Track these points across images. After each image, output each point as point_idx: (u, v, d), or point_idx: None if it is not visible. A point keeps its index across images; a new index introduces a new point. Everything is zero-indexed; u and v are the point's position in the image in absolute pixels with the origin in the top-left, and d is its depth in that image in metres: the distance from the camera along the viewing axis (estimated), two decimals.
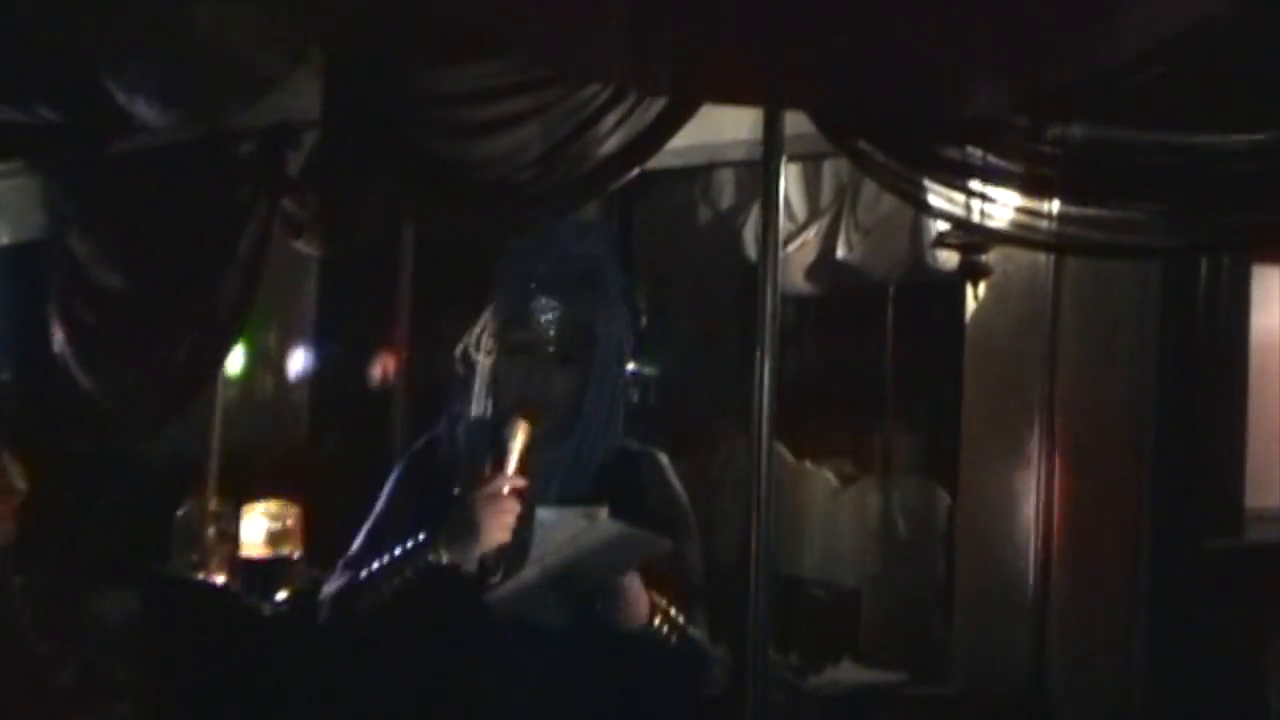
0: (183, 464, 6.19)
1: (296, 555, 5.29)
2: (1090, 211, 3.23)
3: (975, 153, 3.46)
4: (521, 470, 2.62)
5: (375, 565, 2.73)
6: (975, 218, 3.65)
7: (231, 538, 5.52)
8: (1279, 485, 5.80)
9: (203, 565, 5.64)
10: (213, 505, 5.71)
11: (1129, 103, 3.10)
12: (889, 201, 5.90)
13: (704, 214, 6.44)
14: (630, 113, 4.14)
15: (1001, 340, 4.72)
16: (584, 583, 2.57)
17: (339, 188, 4.95)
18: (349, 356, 7.68)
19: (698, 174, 6.07)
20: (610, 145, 4.24)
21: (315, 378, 7.39)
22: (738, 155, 4.93)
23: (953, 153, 3.50)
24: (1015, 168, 3.35)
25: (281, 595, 5.19)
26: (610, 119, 4.21)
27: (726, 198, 6.37)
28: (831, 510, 5.96)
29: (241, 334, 5.72)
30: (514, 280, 2.76)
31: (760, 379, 3.90)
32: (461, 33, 4.24)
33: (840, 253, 5.89)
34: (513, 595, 2.58)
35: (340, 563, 2.89)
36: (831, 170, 5.95)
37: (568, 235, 2.81)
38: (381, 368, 7.15)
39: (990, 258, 4.73)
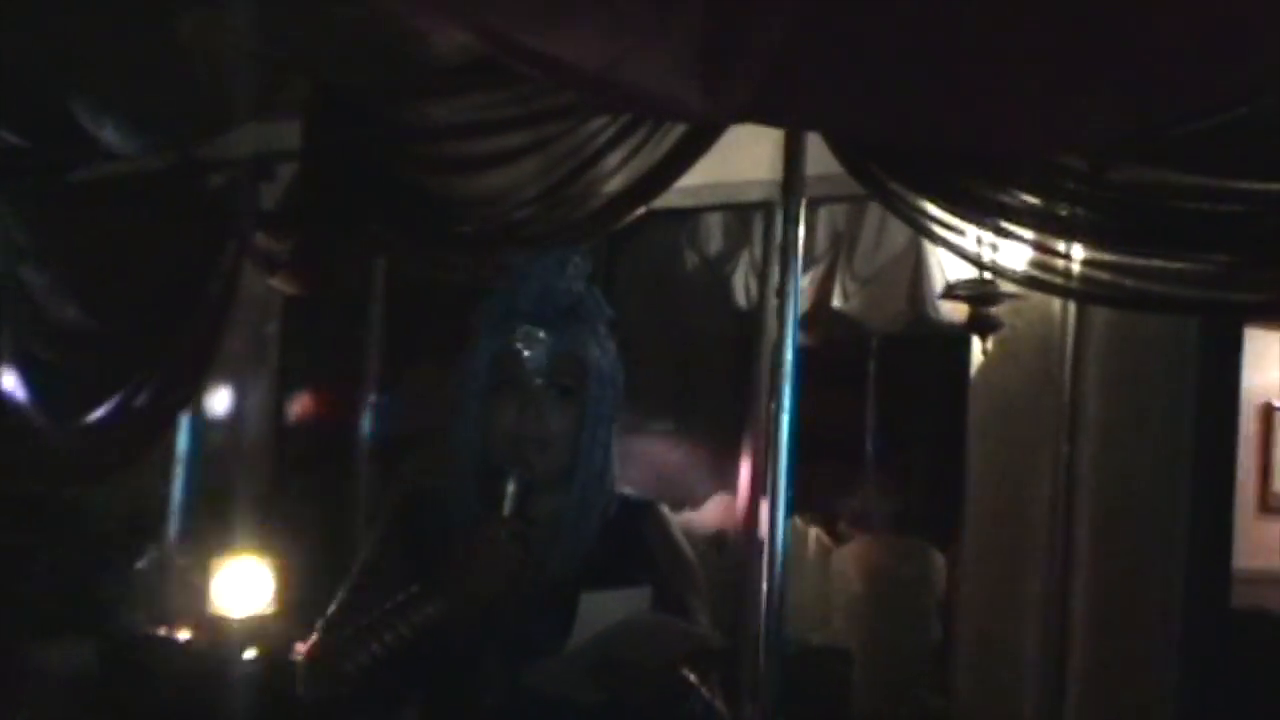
0: (140, 511, 5.89)
1: (270, 611, 5.00)
2: (1139, 261, 3.01)
3: (1019, 195, 3.24)
4: (519, 514, 2.47)
5: (361, 623, 2.50)
6: (1007, 264, 3.42)
7: (197, 591, 5.23)
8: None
9: (165, 620, 5.33)
10: (177, 556, 5.41)
11: (1184, 145, 2.89)
12: (886, 251, 5.75)
13: (690, 260, 6.25)
14: (639, 148, 3.92)
15: (1011, 398, 4.51)
16: (626, 670, 2.40)
17: (319, 224, 4.69)
18: (315, 400, 7.43)
19: (685, 218, 5.86)
20: (617, 182, 4.01)
21: (280, 422, 7.12)
22: (754, 196, 4.68)
23: (993, 194, 3.28)
24: (1063, 211, 3.13)
25: (252, 653, 4.90)
26: (616, 155, 4.00)
27: (714, 244, 6.20)
28: (822, 570, 5.75)
29: (207, 376, 5.43)
30: (497, 316, 2.60)
31: (775, 434, 3.72)
32: (457, 61, 4.00)
33: (836, 302, 5.72)
34: (548, 674, 2.38)
35: (320, 623, 2.65)
36: (827, 218, 5.77)
37: (549, 268, 2.64)
38: (350, 412, 6.87)
39: (1000, 311, 4.51)
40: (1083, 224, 3.11)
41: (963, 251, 3.67)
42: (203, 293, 5.15)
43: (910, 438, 5.69)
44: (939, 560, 5.65)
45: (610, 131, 3.99)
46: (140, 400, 5.25)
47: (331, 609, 2.62)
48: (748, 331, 5.76)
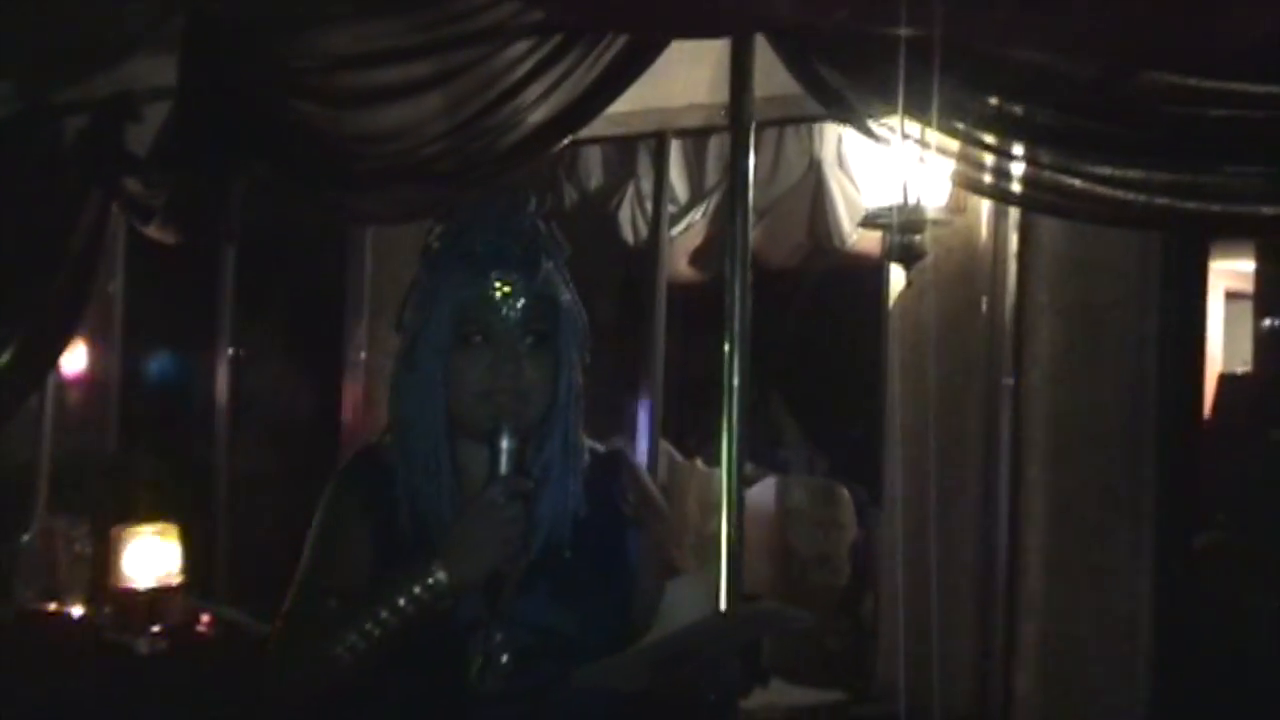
0: (4, 479, 5.47)
1: (176, 584, 4.66)
2: (1160, 176, 2.84)
3: (1031, 108, 3.05)
4: (518, 471, 2.26)
5: (340, 601, 2.26)
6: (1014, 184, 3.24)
7: (88, 562, 4.85)
8: None
9: (56, 595, 4.94)
10: (65, 526, 5.01)
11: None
12: (783, 181, 5.58)
13: (569, 195, 6.00)
14: (568, 74, 3.65)
15: (937, 331, 4.34)
16: (696, 662, 2.24)
17: (198, 168, 4.32)
18: (165, 359, 7.06)
19: (563, 153, 5.61)
20: (541, 112, 3.74)
21: (127, 383, 6.74)
22: (692, 121, 4.45)
23: (1003, 107, 3.08)
24: (1072, 123, 2.94)
25: (157, 628, 4.55)
26: (541, 83, 3.71)
27: (595, 178, 5.96)
28: None
29: (74, 335, 5.03)
30: (449, 263, 2.35)
31: (729, 375, 3.53)
32: None
33: None
34: (608, 670, 2.22)
35: (286, 603, 2.37)
36: (717, 148, 5.57)
37: (503, 206, 2.40)
38: (202, 370, 6.51)
39: (923, 238, 4.36)
40: (1095, 137, 2.92)
41: (973, 183, 3.44)
42: (65, 246, 4.77)
43: (820, 375, 5.56)
44: (848, 499, 5.54)
45: (534, 59, 3.71)
46: (3, 361, 4.84)
47: (294, 588, 2.38)
48: (638, 270, 5.58)
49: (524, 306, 2.32)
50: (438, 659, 2.28)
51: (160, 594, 4.65)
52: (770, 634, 2.33)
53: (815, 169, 5.34)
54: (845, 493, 5.54)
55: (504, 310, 2.31)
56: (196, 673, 4.36)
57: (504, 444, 2.24)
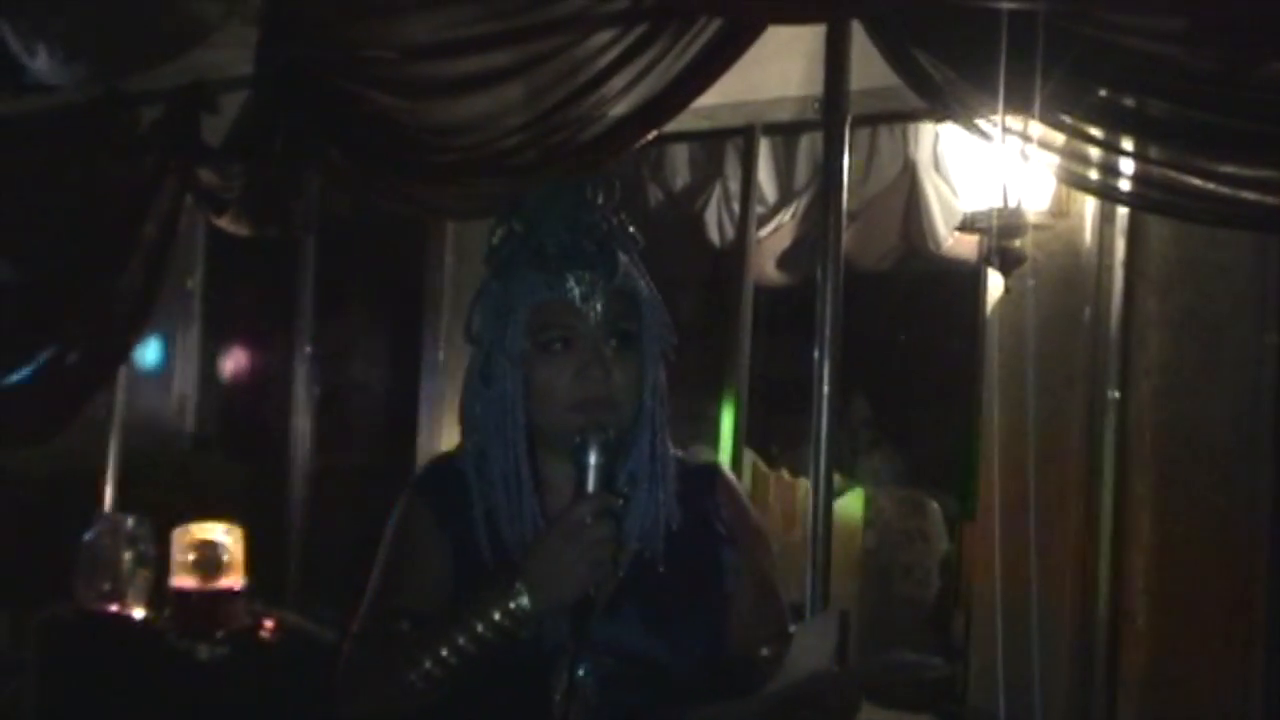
0: (71, 477, 5.39)
1: (238, 587, 4.54)
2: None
3: (1145, 100, 2.85)
4: (606, 487, 2.11)
5: (418, 625, 2.12)
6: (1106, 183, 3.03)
7: (151, 564, 4.76)
8: None
9: (116, 597, 4.84)
10: (129, 525, 4.92)
11: None
12: (876, 182, 5.38)
13: (654, 195, 5.83)
14: (653, 65, 3.49)
15: (1042, 338, 4.12)
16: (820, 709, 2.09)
17: (273, 159, 4.21)
18: (245, 353, 6.99)
19: (648, 150, 5.44)
20: (624, 105, 3.57)
21: (207, 378, 6.68)
22: (783, 115, 4.27)
23: (1115, 99, 2.87)
24: (1192, 117, 2.72)
25: (220, 634, 4.44)
26: (625, 75, 3.55)
27: (681, 177, 5.79)
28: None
29: (146, 329, 4.94)
30: (520, 263, 2.21)
31: (820, 382, 3.36)
32: None
33: None
34: (725, 712, 2.04)
35: (355, 625, 2.23)
36: (808, 147, 5.39)
37: (571, 201, 2.26)
38: (282, 363, 6.42)
39: (1023, 243, 4.15)
40: (1215, 132, 2.71)
41: (1078, 180, 3.24)
42: (138, 237, 4.67)
43: (906, 382, 5.37)
44: (937, 512, 5.33)
45: (619, 48, 3.55)
46: (72, 357, 4.76)
47: (365, 607, 2.23)
48: (724, 272, 5.41)
49: (605, 305, 2.17)
50: (519, 688, 2.12)
51: (222, 597, 4.53)
52: (902, 681, 2.16)
53: (910, 170, 5.14)
54: (935, 505, 5.33)
55: (585, 311, 2.16)
56: (257, 679, 4.25)
57: (591, 459, 2.08)
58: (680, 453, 2.34)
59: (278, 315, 6.29)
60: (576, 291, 2.16)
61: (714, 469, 2.40)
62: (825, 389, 3.32)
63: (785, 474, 5.54)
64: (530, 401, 2.19)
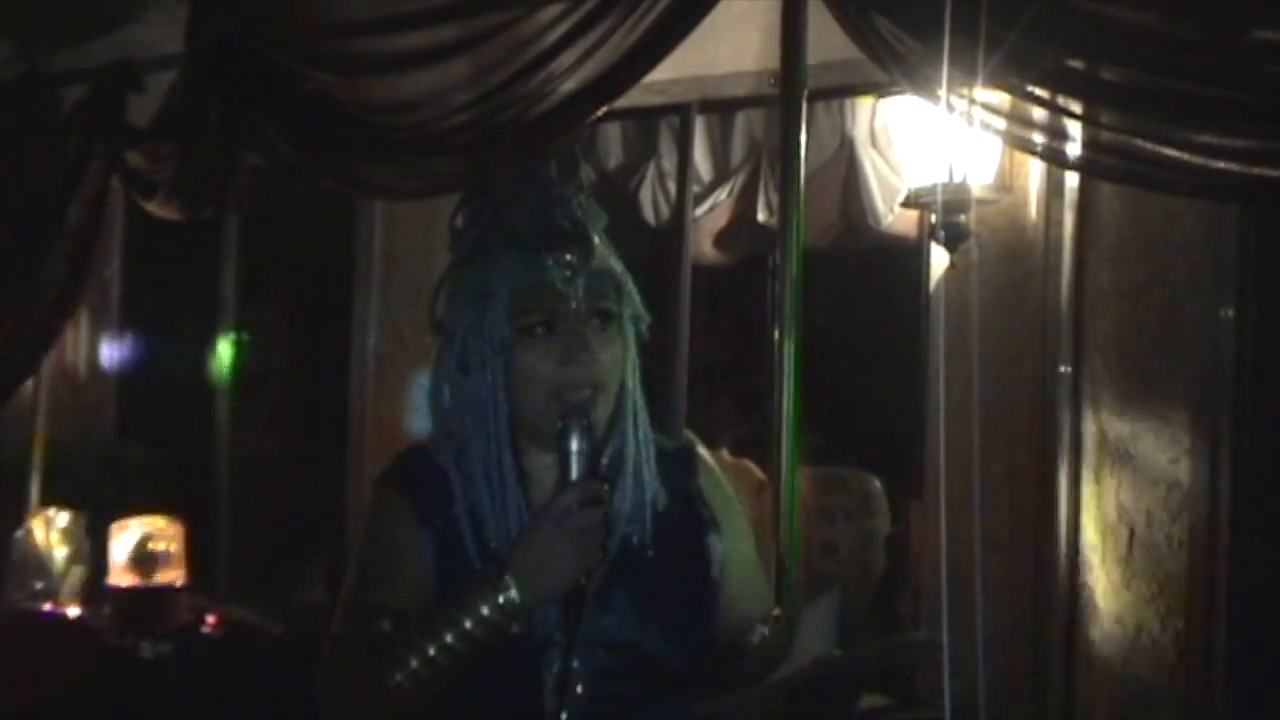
0: None
1: (180, 583, 4.41)
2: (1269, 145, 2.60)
3: (1119, 69, 2.81)
4: (591, 474, 2.05)
5: (401, 634, 2.03)
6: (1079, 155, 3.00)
7: (84, 560, 4.61)
8: None
9: (51, 594, 4.69)
10: (62, 521, 4.76)
11: None
12: (814, 159, 5.34)
13: (587, 175, 5.75)
14: (605, 39, 3.41)
15: (987, 314, 4.11)
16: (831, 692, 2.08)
17: (206, 140, 4.08)
18: (163, 343, 6.82)
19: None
20: (573, 82, 3.50)
21: (123, 369, 6.51)
22: (739, 90, 4.20)
23: (1088, 68, 2.83)
24: (1187, 89, 2.69)
25: (162, 631, 4.32)
26: (577, 49, 3.47)
27: (614, 156, 5.72)
28: (758, 507, 5.36)
29: (70, 317, 4.79)
30: (496, 247, 2.13)
31: (781, 363, 3.31)
32: None
33: (762, 216, 5.29)
34: (740, 701, 2.00)
35: (332, 638, 2.13)
36: (743, 124, 5.34)
37: (539, 180, 2.18)
38: (202, 354, 6.27)
39: (968, 218, 4.12)
40: (1191, 102, 2.68)
41: (1024, 141, 3.21)
42: (63, 222, 4.53)
43: (848, 361, 5.33)
44: (872, 491, 5.32)
45: (568, 23, 3.47)
46: None
47: (341, 607, 2.14)
48: (661, 252, 5.36)
49: (586, 286, 2.10)
50: (509, 683, 2.05)
51: (164, 593, 4.40)
52: (911, 662, 2.14)
53: (848, 146, 5.09)
54: (875, 483, 5.32)
55: (566, 293, 2.08)
56: (202, 676, 4.14)
57: (574, 445, 2.01)
58: (657, 436, 2.28)
59: (199, 300, 6.14)
60: (557, 274, 2.09)
61: (691, 451, 2.35)
62: (788, 369, 3.24)
63: (726, 455, 5.50)
64: (510, 390, 2.11)
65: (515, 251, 2.11)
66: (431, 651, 1.95)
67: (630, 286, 2.19)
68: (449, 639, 1.95)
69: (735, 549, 2.27)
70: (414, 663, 1.96)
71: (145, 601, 4.36)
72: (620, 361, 2.13)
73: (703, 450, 2.40)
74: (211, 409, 6.01)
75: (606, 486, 2.07)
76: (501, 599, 1.95)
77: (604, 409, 2.10)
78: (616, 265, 2.18)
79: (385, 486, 2.21)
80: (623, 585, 2.10)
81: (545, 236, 2.11)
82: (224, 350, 5.99)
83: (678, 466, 2.26)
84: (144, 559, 4.40)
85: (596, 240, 2.16)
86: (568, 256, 2.10)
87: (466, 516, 2.11)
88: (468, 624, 1.95)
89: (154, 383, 6.78)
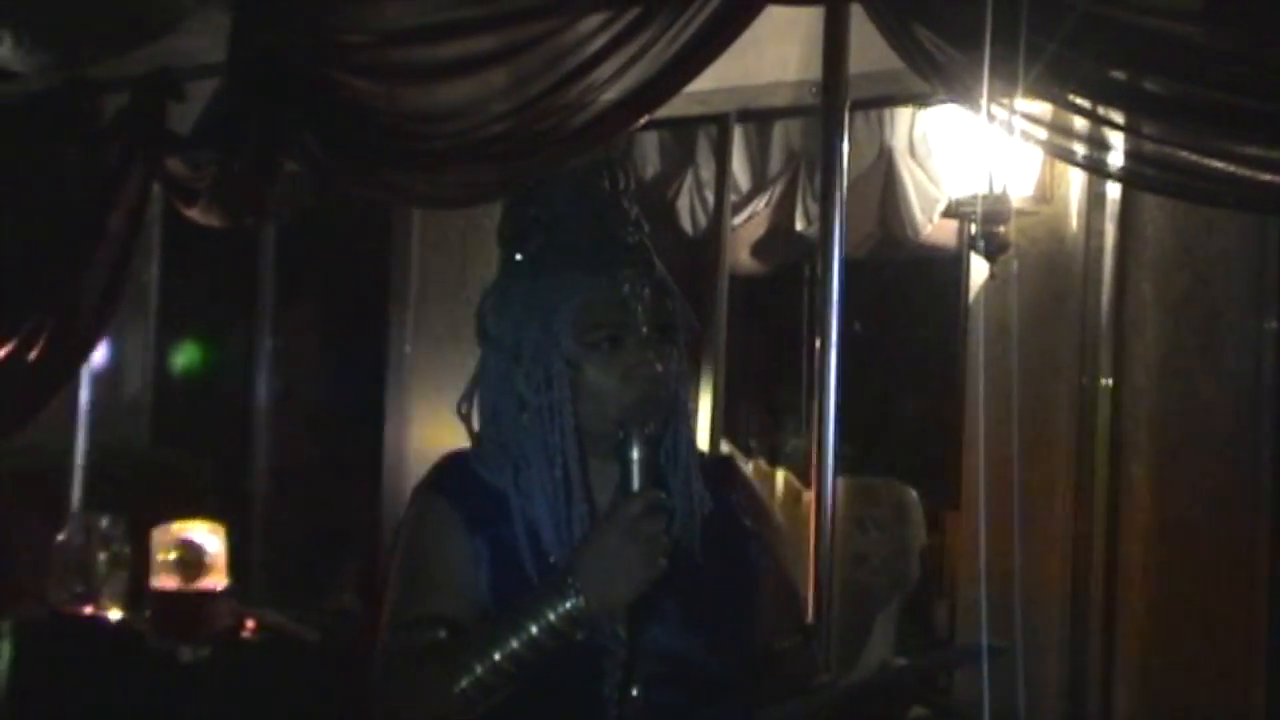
0: (32, 475, 5.25)
1: (220, 587, 4.43)
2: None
3: (1160, 79, 2.81)
4: (652, 483, 2.05)
5: (462, 641, 2.04)
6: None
7: (125, 563, 4.63)
8: None
9: (91, 598, 4.72)
10: (102, 524, 4.79)
11: None
12: (852, 168, 5.32)
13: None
14: (646, 49, 3.41)
15: (1021, 327, 4.08)
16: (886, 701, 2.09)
17: (247, 147, 4.10)
18: (200, 349, 6.85)
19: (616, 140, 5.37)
20: (614, 92, 3.50)
21: (160, 375, 6.53)
22: (780, 100, 4.20)
23: (1129, 79, 2.82)
24: (1227, 99, 2.68)
25: (202, 635, 4.33)
26: (616, 60, 3.47)
27: (651, 165, 5.72)
28: (794, 513, 5.35)
29: (111, 323, 4.81)
30: (557, 259, 2.13)
31: (823, 372, 3.31)
32: None
33: (798, 225, 5.29)
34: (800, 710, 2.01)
35: (384, 649, 2.12)
36: (781, 134, 5.34)
37: (597, 191, 2.17)
38: (239, 360, 6.30)
39: (1007, 229, 4.10)
40: (1232, 113, 2.67)
41: (1065, 152, 3.21)
42: (104, 229, 4.55)
43: (886, 371, 5.33)
44: (910, 502, 5.30)
45: (609, 34, 3.47)
46: (35, 353, 4.63)
47: (391, 617, 2.13)
48: (698, 261, 5.36)
49: (650, 300, 2.10)
50: (566, 691, 2.05)
51: (204, 598, 4.42)
52: (965, 669, 2.14)
53: (886, 156, 5.08)
54: (911, 494, 5.30)
55: (634, 307, 2.08)
56: (240, 681, 4.15)
57: (635, 454, 2.01)
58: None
59: (236, 307, 6.17)
60: (624, 289, 2.09)
61: (730, 462, 2.39)
62: (830, 379, 3.23)
63: (762, 464, 5.49)
64: (575, 404, 2.11)
65: (579, 266, 2.10)
66: (498, 658, 1.94)
67: (685, 307, 2.19)
68: (515, 646, 1.94)
69: (772, 561, 2.27)
70: (479, 670, 1.95)
71: (185, 605, 4.37)
72: (677, 373, 2.13)
73: (740, 460, 2.41)
74: (248, 415, 6.03)
75: (668, 496, 2.06)
76: (570, 605, 1.94)
77: (659, 420, 2.10)
78: (671, 283, 2.18)
79: (428, 494, 2.20)
80: (670, 594, 2.10)
81: (610, 251, 2.11)
82: (261, 356, 6.01)
83: (717, 475, 2.26)
84: (184, 563, 4.41)
85: (652, 252, 2.17)
86: (632, 271, 2.10)
87: (524, 527, 2.11)
88: (535, 630, 1.94)
89: (191, 388, 6.82)
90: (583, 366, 2.09)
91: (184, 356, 6.93)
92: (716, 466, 2.30)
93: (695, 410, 2.23)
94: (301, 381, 6.52)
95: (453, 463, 2.25)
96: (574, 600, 1.94)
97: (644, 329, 2.08)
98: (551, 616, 1.94)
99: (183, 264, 6.49)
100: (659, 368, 2.08)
